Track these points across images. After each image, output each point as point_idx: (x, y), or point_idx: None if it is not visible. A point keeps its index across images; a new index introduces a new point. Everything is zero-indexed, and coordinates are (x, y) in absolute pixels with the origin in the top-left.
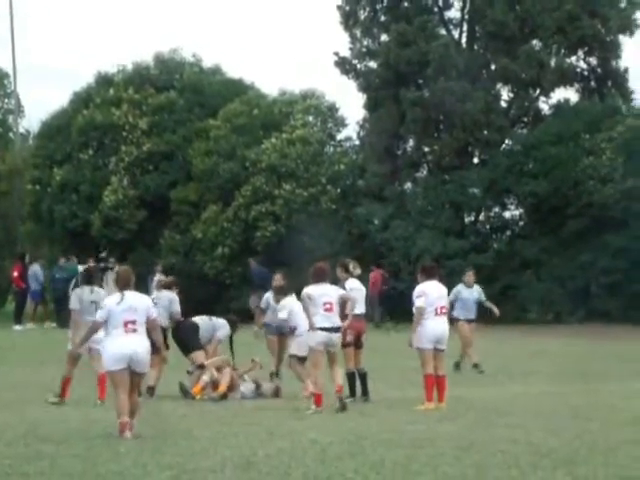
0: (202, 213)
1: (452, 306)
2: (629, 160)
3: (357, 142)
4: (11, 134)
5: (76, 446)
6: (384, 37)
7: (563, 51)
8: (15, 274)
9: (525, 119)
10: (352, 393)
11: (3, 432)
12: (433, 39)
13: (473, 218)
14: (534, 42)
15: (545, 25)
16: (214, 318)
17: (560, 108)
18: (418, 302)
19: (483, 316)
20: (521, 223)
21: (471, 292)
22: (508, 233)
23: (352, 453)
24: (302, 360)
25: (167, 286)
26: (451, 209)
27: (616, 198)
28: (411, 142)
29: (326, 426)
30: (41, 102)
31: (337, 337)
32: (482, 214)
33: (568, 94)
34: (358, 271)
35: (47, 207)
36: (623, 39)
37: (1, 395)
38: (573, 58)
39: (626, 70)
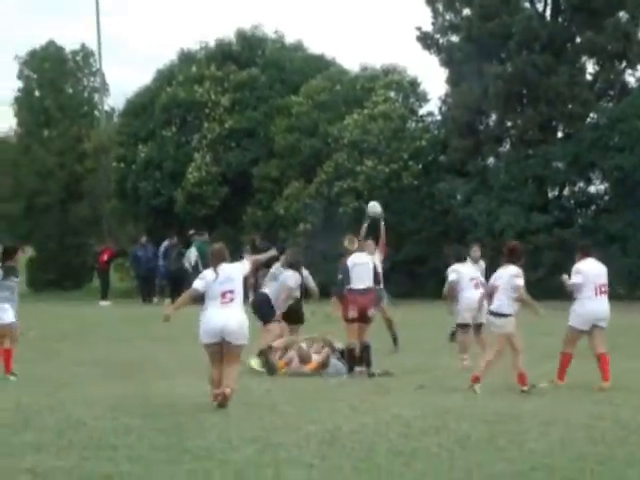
0: (284, 189)
1: None
2: None
3: (439, 117)
4: (97, 112)
5: (162, 420)
6: (467, 11)
7: None
8: (104, 257)
9: (611, 92)
10: (367, 364)
11: (91, 406)
12: (517, 12)
13: (557, 193)
14: (620, 14)
15: None
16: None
17: None
18: (575, 278)
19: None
20: (606, 197)
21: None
22: (593, 208)
23: (436, 428)
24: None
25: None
26: (534, 184)
27: None
28: (494, 117)
29: (409, 401)
30: (126, 80)
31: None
32: (566, 189)
33: None
34: (355, 245)
35: (132, 184)
36: None
37: (88, 370)
38: None
39: None
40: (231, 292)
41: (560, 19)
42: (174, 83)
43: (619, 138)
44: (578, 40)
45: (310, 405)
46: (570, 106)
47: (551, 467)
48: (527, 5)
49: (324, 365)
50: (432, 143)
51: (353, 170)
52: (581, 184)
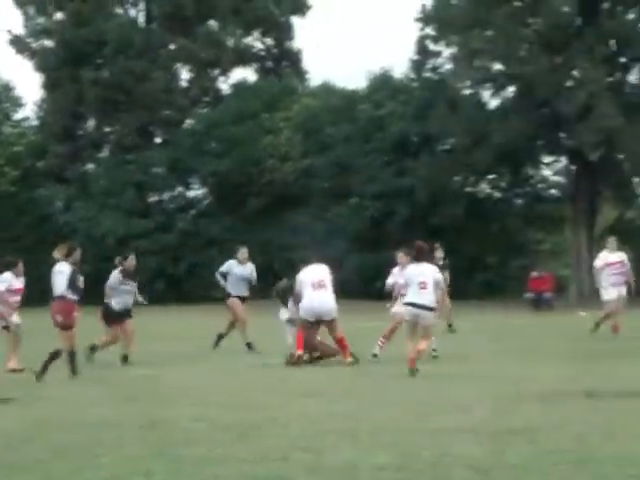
0: None
1: (225, 279)
2: (306, 138)
3: (36, 122)
4: None
5: None
6: (59, 15)
7: (240, 32)
8: None
9: (206, 98)
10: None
11: None
12: (110, 18)
13: (157, 198)
14: (211, 22)
15: (221, 6)
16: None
17: (239, 88)
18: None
19: (164, 297)
20: (205, 202)
21: (244, 269)
22: (193, 212)
23: (32, 438)
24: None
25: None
26: (134, 189)
27: (296, 176)
28: (92, 122)
29: (9, 413)
30: None
31: (424, 313)
32: (166, 193)
33: (246, 74)
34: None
35: None
36: (296, 20)
37: None
38: (250, 38)
39: (300, 51)
40: None
41: (154, 26)
42: None
43: (216, 144)
44: (172, 47)
45: None
46: (167, 112)
47: (149, 471)
48: (121, 12)
49: None
50: (29, 149)
51: None
52: (180, 189)
